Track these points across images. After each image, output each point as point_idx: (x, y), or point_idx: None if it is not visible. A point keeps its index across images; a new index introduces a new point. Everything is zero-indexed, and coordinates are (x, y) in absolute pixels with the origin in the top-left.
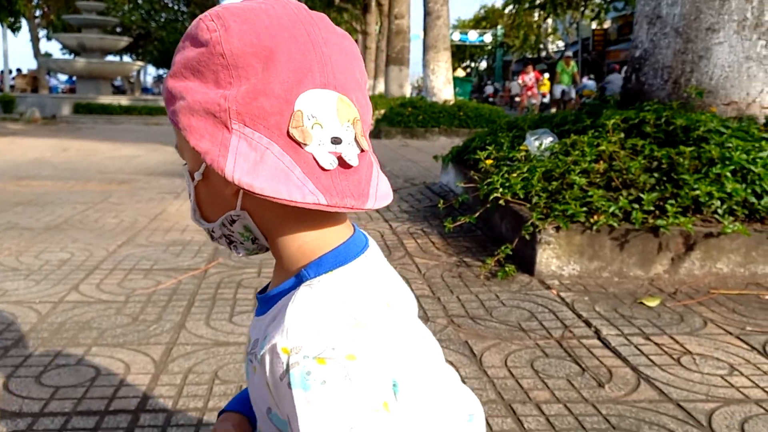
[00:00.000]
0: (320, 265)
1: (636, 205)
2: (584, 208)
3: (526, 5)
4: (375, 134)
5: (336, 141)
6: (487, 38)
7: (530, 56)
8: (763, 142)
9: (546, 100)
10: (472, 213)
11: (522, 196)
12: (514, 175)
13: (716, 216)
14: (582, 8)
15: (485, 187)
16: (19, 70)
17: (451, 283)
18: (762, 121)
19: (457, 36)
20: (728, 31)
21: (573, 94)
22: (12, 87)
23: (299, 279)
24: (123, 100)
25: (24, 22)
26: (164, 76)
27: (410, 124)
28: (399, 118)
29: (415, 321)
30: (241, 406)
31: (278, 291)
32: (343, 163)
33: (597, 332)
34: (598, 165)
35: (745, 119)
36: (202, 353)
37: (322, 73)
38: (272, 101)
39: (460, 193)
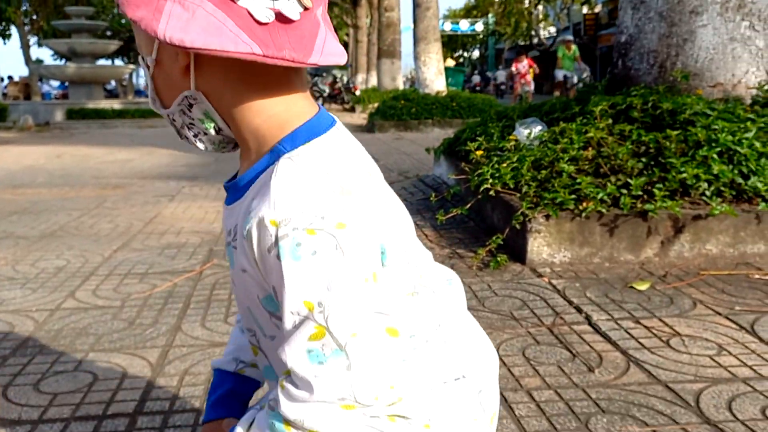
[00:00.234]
0: (295, 138)
1: (624, 191)
2: (573, 196)
3: None
4: (369, 128)
5: None
6: (479, 27)
7: (522, 43)
8: (749, 123)
9: (530, 88)
10: (464, 204)
11: (512, 186)
12: (504, 165)
13: (704, 198)
14: None
15: (476, 178)
16: (10, 78)
17: None
18: (748, 101)
19: (448, 26)
20: (711, 13)
21: (576, 79)
22: (4, 95)
23: (275, 154)
24: (116, 104)
25: (14, 30)
26: None
27: (403, 116)
28: (392, 111)
29: (389, 190)
30: (218, 410)
31: (253, 172)
32: (281, 17)
33: (588, 318)
34: (586, 152)
35: (731, 100)
36: (198, 354)
37: None
38: None
39: (452, 185)
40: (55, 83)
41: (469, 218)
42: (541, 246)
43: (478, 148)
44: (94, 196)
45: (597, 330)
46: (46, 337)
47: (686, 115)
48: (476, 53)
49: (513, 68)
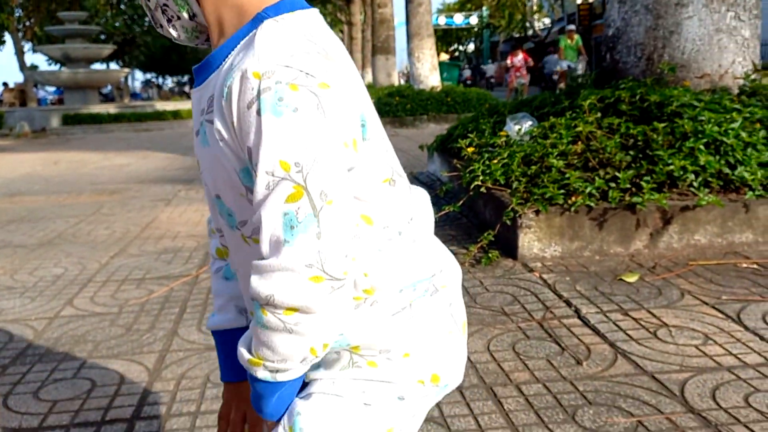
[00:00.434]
0: (279, 8)
1: (613, 184)
2: (562, 191)
3: None
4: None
5: None
6: (473, 20)
7: (517, 35)
8: (735, 114)
9: (525, 81)
10: (457, 201)
11: (503, 182)
12: (495, 161)
13: (692, 189)
14: None
15: (467, 175)
16: (5, 84)
17: None
18: (735, 91)
19: (443, 20)
20: (697, 5)
21: (581, 70)
22: (0, 101)
23: (258, 20)
24: (111, 108)
25: (8, 36)
26: (152, 80)
27: (399, 113)
28: (387, 108)
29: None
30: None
31: (231, 42)
32: None
33: (577, 311)
34: (575, 146)
35: (718, 90)
36: (195, 358)
37: None
38: None
39: (445, 182)
40: (51, 88)
41: (462, 215)
42: (531, 241)
43: (469, 145)
44: (91, 203)
45: (586, 323)
46: (45, 345)
47: (673, 107)
48: (471, 46)
49: (508, 62)
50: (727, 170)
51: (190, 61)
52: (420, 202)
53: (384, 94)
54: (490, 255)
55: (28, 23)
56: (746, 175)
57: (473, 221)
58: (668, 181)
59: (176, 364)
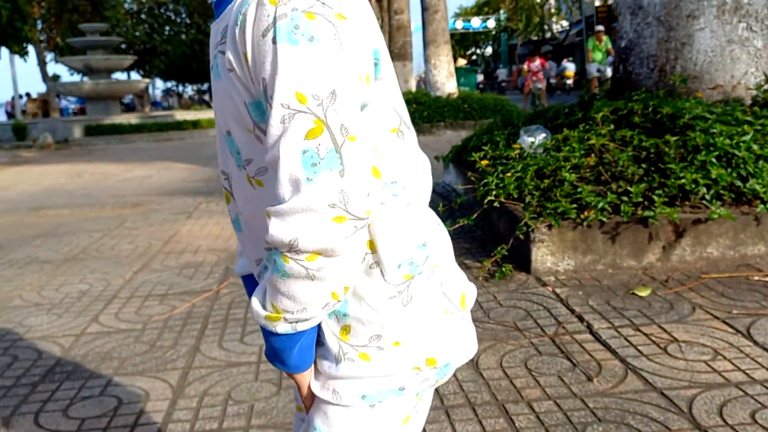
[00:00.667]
0: None
1: (625, 198)
2: (574, 205)
3: None
4: None
5: None
6: (491, 24)
7: (535, 38)
8: (746, 126)
9: (542, 86)
10: (471, 214)
11: (516, 196)
12: (509, 174)
13: (704, 202)
14: None
15: (481, 188)
16: (28, 95)
17: None
18: (748, 102)
19: (460, 24)
20: (708, 16)
21: (609, 73)
22: (23, 112)
23: None
24: (133, 119)
25: (30, 47)
26: (172, 89)
27: (416, 120)
28: None
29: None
30: None
31: None
32: None
33: (589, 326)
34: (588, 159)
35: (730, 102)
36: (216, 375)
37: None
38: None
39: (460, 195)
40: (73, 98)
41: (476, 227)
42: (545, 255)
43: (483, 158)
44: (114, 216)
45: (598, 338)
46: (73, 363)
47: (685, 120)
48: (489, 50)
49: (525, 67)
50: (738, 183)
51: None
52: (422, 167)
53: None
54: (503, 269)
55: (50, 34)
56: (758, 187)
57: (487, 233)
58: (680, 194)
59: (199, 381)
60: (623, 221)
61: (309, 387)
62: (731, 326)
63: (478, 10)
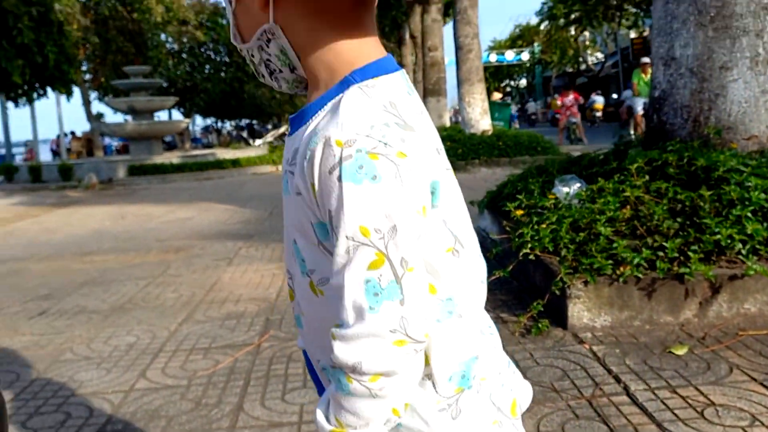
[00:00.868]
0: (365, 72)
1: (660, 253)
2: (610, 261)
3: (561, 21)
4: None
5: None
6: (525, 56)
7: (570, 70)
8: None
9: (577, 119)
10: (507, 264)
11: (551, 249)
12: (544, 226)
13: (740, 257)
14: (618, 18)
15: (516, 239)
16: (73, 133)
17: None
18: None
19: (494, 57)
20: (741, 68)
21: None
22: (68, 150)
23: (345, 84)
24: (174, 158)
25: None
26: (212, 125)
27: (450, 157)
28: None
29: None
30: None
31: (321, 101)
32: None
33: (626, 388)
34: (623, 210)
35: (766, 152)
36: None
37: None
38: None
39: (495, 245)
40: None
41: (512, 277)
42: (581, 311)
43: (518, 207)
44: (158, 262)
45: (634, 401)
46: (123, 420)
47: (720, 172)
48: (523, 82)
49: (558, 102)
50: None
51: (247, 106)
52: (477, 276)
53: None
54: (540, 325)
55: (95, 74)
56: None
57: (524, 284)
58: (716, 249)
59: None
60: (659, 277)
61: None
62: None
63: (511, 43)
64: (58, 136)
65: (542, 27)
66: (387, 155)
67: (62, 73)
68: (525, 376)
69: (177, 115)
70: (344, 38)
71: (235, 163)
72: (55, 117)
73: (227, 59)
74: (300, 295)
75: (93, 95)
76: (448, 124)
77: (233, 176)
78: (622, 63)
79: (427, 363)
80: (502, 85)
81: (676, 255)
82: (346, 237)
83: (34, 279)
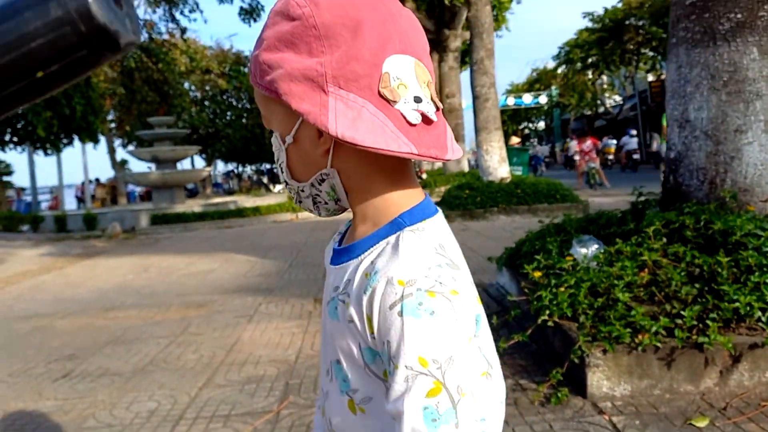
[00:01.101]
0: (413, 215)
1: (679, 321)
2: (628, 330)
3: (578, 65)
4: None
5: (417, 100)
6: (542, 99)
7: (588, 113)
8: None
9: (596, 164)
10: (527, 324)
11: (570, 315)
12: (562, 289)
13: (761, 324)
14: (635, 62)
15: (535, 302)
16: (98, 180)
17: (508, 411)
18: None
19: (511, 101)
20: (756, 131)
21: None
22: (93, 197)
23: (396, 225)
24: (196, 207)
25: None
26: (233, 171)
27: (469, 206)
28: (457, 201)
29: None
30: None
31: (373, 238)
32: (425, 119)
33: None
34: (641, 274)
35: None
36: None
37: (401, 40)
38: (362, 65)
39: (513, 307)
40: None
41: (531, 340)
42: (600, 380)
43: (536, 269)
44: (179, 319)
45: None
46: None
47: (737, 237)
48: (542, 124)
49: (576, 147)
50: None
51: (268, 151)
52: (498, 397)
53: (454, 186)
54: (559, 394)
55: (119, 122)
56: None
57: (543, 348)
58: (735, 316)
59: None
60: (678, 346)
61: None
62: None
63: (529, 87)
64: (83, 183)
65: (559, 71)
66: (443, 293)
67: (89, 124)
68: None
69: (199, 160)
70: (392, 183)
71: (256, 211)
72: (80, 163)
73: (248, 105)
74: (333, 412)
75: (117, 142)
76: (466, 168)
77: (254, 224)
78: (641, 106)
79: None
80: (521, 127)
81: (695, 323)
82: (406, 367)
83: (58, 337)
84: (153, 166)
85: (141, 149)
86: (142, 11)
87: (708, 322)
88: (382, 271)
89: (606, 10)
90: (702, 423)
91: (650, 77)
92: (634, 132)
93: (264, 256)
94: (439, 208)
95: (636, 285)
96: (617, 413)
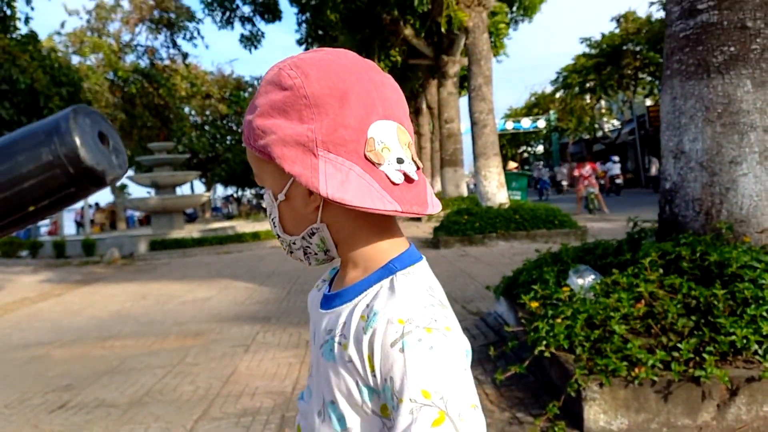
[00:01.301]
0: (402, 260)
1: (675, 354)
2: (625, 362)
3: (576, 90)
4: (434, 244)
5: (400, 161)
6: (541, 124)
7: (587, 137)
8: None
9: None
10: (524, 355)
11: (566, 346)
12: (559, 320)
13: (757, 357)
14: (633, 87)
15: (532, 333)
16: (97, 205)
17: None
18: None
19: (510, 125)
20: (751, 162)
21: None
22: (92, 221)
23: (387, 270)
24: (195, 232)
25: None
26: (232, 195)
27: (467, 231)
28: (456, 226)
29: None
30: None
31: (365, 283)
32: (407, 178)
33: None
34: (638, 306)
35: None
36: None
37: (384, 107)
38: (349, 131)
39: (510, 338)
40: None
41: (528, 371)
42: (597, 413)
43: (533, 299)
44: (176, 348)
45: None
46: None
47: (733, 269)
48: (540, 148)
49: (576, 173)
50: None
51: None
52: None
53: (453, 212)
54: (556, 428)
55: None
56: None
57: (540, 379)
58: (731, 349)
59: None
60: (675, 380)
61: None
62: None
63: (527, 111)
64: (83, 208)
65: (557, 95)
66: (438, 329)
67: None
68: None
69: (198, 184)
70: (380, 234)
71: (255, 236)
72: None
73: None
74: None
75: None
76: (465, 193)
77: (253, 249)
78: (639, 130)
79: None
80: (519, 151)
81: (692, 356)
82: (410, 399)
83: (56, 366)
84: (152, 191)
85: (140, 174)
86: (144, 38)
87: (705, 355)
88: (382, 312)
89: (603, 35)
90: None
91: (648, 102)
92: (616, 158)
93: (262, 283)
94: (423, 256)
95: (632, 317)
96: None
